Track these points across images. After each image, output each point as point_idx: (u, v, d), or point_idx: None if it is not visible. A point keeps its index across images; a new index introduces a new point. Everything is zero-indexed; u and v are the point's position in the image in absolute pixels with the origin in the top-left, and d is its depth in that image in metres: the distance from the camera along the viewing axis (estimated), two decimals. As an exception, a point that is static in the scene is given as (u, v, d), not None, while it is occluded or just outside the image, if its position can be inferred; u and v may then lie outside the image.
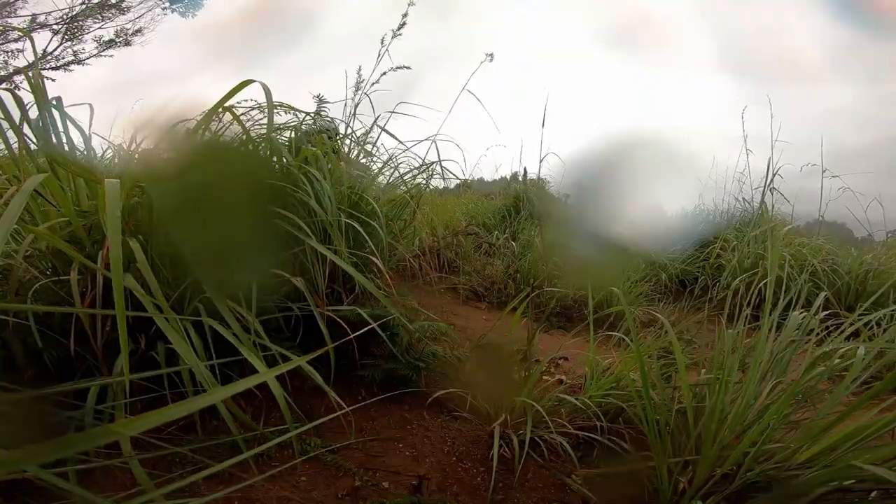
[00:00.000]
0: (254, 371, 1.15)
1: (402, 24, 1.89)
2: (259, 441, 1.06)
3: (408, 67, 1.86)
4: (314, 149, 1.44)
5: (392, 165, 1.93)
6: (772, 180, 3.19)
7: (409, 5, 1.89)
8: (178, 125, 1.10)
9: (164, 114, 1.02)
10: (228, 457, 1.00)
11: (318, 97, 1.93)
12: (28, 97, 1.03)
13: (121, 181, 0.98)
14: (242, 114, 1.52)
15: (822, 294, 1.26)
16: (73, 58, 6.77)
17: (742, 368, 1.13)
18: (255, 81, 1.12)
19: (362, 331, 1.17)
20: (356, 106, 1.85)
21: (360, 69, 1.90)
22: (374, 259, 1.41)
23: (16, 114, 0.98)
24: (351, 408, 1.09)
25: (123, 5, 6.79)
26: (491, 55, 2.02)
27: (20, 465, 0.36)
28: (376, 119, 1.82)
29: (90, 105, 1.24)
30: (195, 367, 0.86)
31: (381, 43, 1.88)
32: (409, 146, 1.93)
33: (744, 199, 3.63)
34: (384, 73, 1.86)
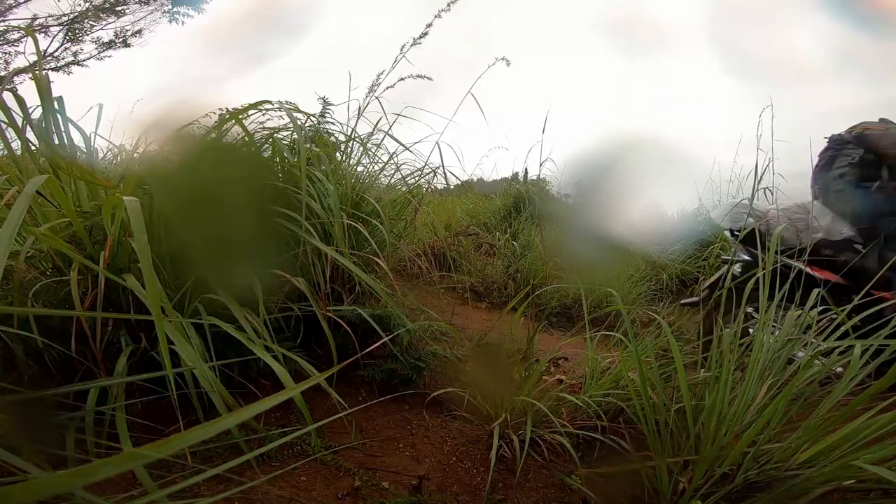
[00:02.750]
0: (252, 369, 1.15)
1: (424, 34, 1.87)
2: (260, 441, 1.07)
3: (429, 78, 1.86)
4: (317, 150, 1.44)
5: (394, 165, 1.93)
6: (760, 179, 3.19)
7: (435, 17, 1.88)
8: (182, 128, 1.10)
9: (168, 116, 1.02)
10: (229, 456, 1.01)
11: (322, 99, 1.92)
12: (29, 98, 1.04)
13: (123, 182, 0.99)
14: (250, 117, 1.53)
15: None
16: (72, 59, 6.78)
17: (740, 367, 1.13)
18: (270, 102, 1.12)
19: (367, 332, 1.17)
20: (361, 109, 1.85)
21: (380, 74, 1.89)
22: (377, 259, 1.41)
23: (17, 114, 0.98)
24: (353, 409, 1.09)
25: (125, 8, 6.80)
26: (505, 59, 2.00)
27: (65, 488, 0.36)
28: (377, 124, 1.82)
29: (100, 105, 1.24)
30: (200, 370, 0.86)
31: (401, 50, 1.87)
32: (410, 146, 1.93)
33: (743, 199, 3.63)
34: (402, 79, 1.86)
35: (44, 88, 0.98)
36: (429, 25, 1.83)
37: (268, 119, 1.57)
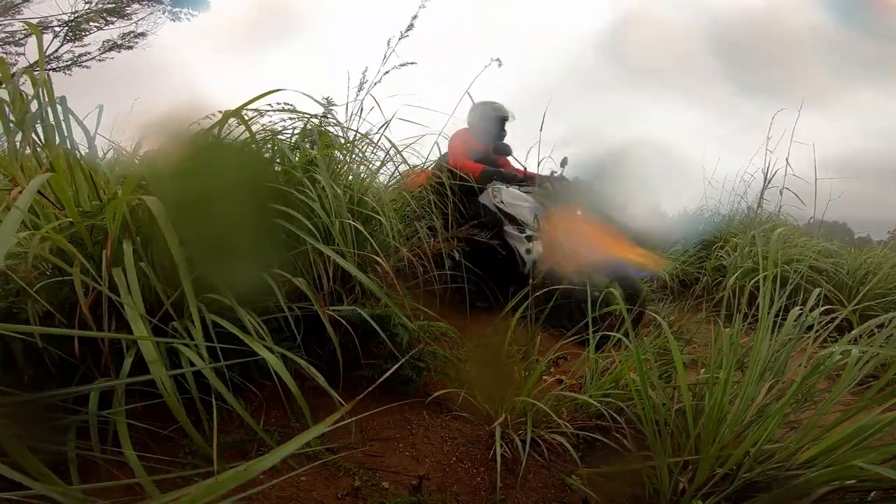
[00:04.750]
0: (252, 370, 1.15)
1: (411, 27, 1.88)
2: (259, 442, 1.07)
3: (413, 63, 1.86)
4: (315, 152, 1.44)
5: (394, 164, 1.93)
6: (770, 180, 3.22)
7: (420, 8, 1.89)
8: (183, 127, 1.10)
9: (169, 115, 1.03)
10: (228, 456, 1.01)
11: (326, 99, 1.93)
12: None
13: (124, 182, 0.99)
14: (251, 119, 1.53)
15: (819, 291, 1.25)
16: (73, 60, 6.80)
17: (740, 367, 1.13)
18: (277, 91, 1.12)
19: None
20: (360, 107, 1.85)
21: (365, 70, 1.90)
22: (377, 259, 1.41)
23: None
24: (358, 415, 1.09)
25: (128, 11, 6.82)
26: (499, 60, 2.02)
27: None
28: (383, 125, 1.83)
29: (100, 106, 1.24)
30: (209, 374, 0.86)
31: (388, 45, 1.87)
32: (405, 147, 1.94)
33: (747, 200, 3.64)
34: (387, 72, 1.86)
35: (49, 89, 0.98)
36: (414, 17, 1.83)
37: (271, 122, 1.57)
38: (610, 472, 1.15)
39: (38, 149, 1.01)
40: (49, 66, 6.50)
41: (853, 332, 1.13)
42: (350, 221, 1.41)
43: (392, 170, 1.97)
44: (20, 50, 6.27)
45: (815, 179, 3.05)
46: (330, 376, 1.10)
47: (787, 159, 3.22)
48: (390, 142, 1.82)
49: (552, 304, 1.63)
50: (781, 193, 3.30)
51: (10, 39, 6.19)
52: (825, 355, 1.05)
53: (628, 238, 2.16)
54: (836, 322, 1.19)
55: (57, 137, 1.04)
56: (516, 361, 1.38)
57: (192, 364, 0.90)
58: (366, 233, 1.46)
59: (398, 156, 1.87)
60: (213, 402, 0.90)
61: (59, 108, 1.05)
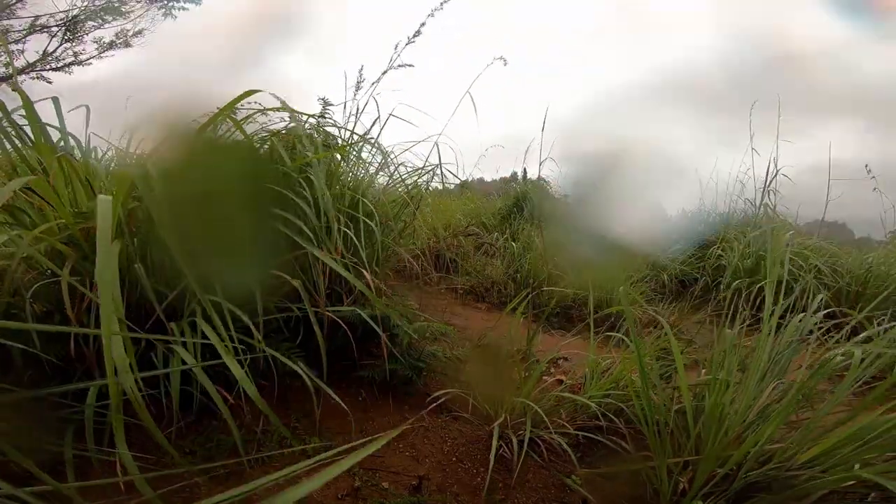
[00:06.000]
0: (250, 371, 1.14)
1: (418, 33, 1.86)
2: (259, 442, 1.06)
3: (410, 65, 1.85)
4: (311, 154, 1.43)
5: (393, 165, 1.92)
6: (772, 181, 3.21)
7: (428, 17, 1.87)
8: (180, 126, 1.09)
9: (164, 114, 1.02)
10: (227, 457, 1.00)
11: (322, 99, 1.91)
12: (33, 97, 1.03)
13: (120, 183, 0.98)
14: (247, 117, 1.52)
15: (821, 296, 1.25)
16: (72, 59, 6.77)
17: (741, 369, 1.12)
18: (259, 91, 1.11)
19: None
20: (359, 109, 1.84)
21: (361, 69, 1.89)
22: (369, 267, 1.39)
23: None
24: (358, 415, 1.08)
25: (125, 9, 6.79)
26: (503, 58, 1.99)
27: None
28: (374, 122, 1.82)
29: (87, 106, 1.23)
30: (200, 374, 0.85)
31: (395, 49, 1.86)
32: (409, 146, 1.93)
33: (746, 200, 3.63)
34: (385, 72, 1.85)
35: (24, 94, 0.98)
36: (422, 24, 1.82)
37: (268, 122, 1.56)
38: (609, 473, 1.14)
39: (29, 150, 1.01)
40: (48, 67, 6.49)
41: (861, 334, 1.12)
42: (345, 229, 1.39)
43: (393, 170, 1.96)
44: (21, 47, 6.25)
45: (829, 180, 3.04)
46: (331, 376, 1.10)
47: (774, 159, 3.22)
48: (380, 146, 1.81)
49: None
50: (775, 193, 3.30)
51: (10, 39, 6.17)
52: (828, 357, 1.04)
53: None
54: (835, 323, 1.19)
55: (59, 138, 1.04)
56: (516, 362, 1.37)
57: (185, 363, 0.90)
58: (358, 240, 1.44)
59: (395, 158, 1.86)
60: (212, 403, 0.90)
61: (53, 108, 1.05)
